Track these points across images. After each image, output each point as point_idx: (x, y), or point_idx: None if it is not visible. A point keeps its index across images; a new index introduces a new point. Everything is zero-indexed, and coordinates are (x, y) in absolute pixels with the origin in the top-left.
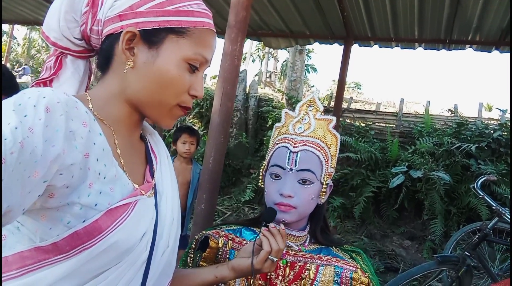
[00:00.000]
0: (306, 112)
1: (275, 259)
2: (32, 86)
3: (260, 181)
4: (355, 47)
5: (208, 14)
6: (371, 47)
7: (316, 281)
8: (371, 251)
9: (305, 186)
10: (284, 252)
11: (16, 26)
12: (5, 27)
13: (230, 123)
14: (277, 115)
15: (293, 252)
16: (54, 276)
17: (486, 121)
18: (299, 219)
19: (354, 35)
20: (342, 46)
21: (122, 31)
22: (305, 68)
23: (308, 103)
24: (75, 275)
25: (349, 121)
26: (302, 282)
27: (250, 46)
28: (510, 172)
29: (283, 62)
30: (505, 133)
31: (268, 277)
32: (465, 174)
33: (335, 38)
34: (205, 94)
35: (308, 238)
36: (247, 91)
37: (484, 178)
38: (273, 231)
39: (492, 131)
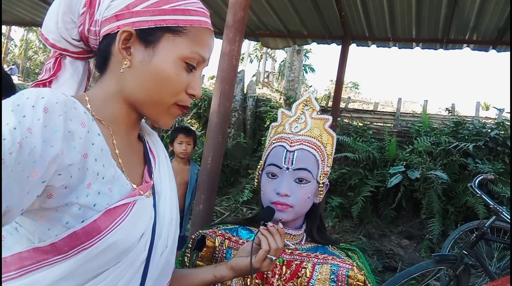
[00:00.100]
0: (302, 111)
1: (274, 258)
2: (32, 87)
3: (255, 180)
4: (352, 47)
5: (205, 13)
6: (369, 47)
7: (313, 279)
8: (369, 251)
9: (302, 185)
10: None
11: (13, 27)
12: (2, 28)
13: (228, 123)
14: (275, 116)
15: (289, 251)
16: (53, 277)
17: (483, 120)
18: (295, 218)
19: (351, 35)
20: (340, 46)
21: (118, 31)
22: (303, 68)
23: (304, 102)
24: (74, 276)
25: (347, 121)
26: (299, 280)
27: (248, 46)
28: (510, 171)
29: (281, 62)
30: (502, 132)
31: (265, 275)
32: (463, 173)
33: (333, 38)
34: (203, 94)
35: (305, 237)
36: (245, 92)
37: (482, 177)
38: (271, 230)
39: (489, 130)
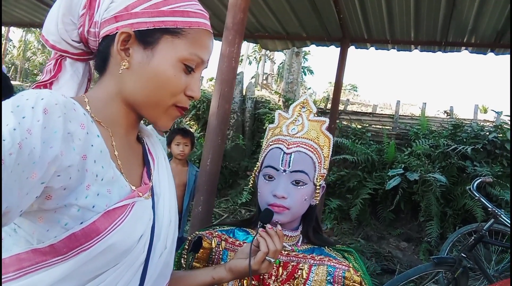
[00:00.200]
0: (299, 113)
1: (273, 260)
2: (32, 88)
3: (251, 181)
4: (351, 49)
5: (204, 15)
6: (368, 49)
7: (309, 280)
8: (368, 253)
9: (299, 187)
10: None
11: (11, 28)
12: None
13: (227, 125)
14: (273, 117)
15: (286, 252)
16: (51, 278)
17: (481, 123)
18: (292, 220)
19: (350, 37)
20: (339, 48)
21: (117, 32)
22: (302, 70)
23: (301, 104)
24: (73, 277)
25: (345, 123)
26: (295, 281)
27: (247, 48)
28: (510, 174)
29: (280, 64)
30: (500, 135)
31: (261, 277)
32: (461, 176)
33: (332, 40)
34: (202, 96)
35: (301, 238)
36: (244, 93)
37: (480, 180)
38: (270, 232)
39: (487, 133)
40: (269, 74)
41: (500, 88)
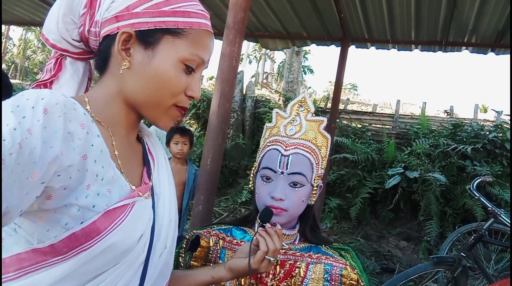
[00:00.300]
0: (297, 112)
1: (272, 259)
2: (33, 88)
3: (250, 183)
4: (351, 49)
5: (205, 15)
6: (368, 48)
7: (307, 278)
8: (367, 252)
9: (296, 189)
10: None
11: (11, 27)
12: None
13: (228, 124)
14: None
15: (283, 251)
16: (51, 278)
17: (481, 123)
18: (289, 221)
19: (351, 37)
20: (339, 48)
21: (118, 32)
22: (302, 69)
23: (299, 103)
24: (73, 277)
25: (345, 123)
26: (293, 280)
27: (247, 47)
28: (510, 174)
29: (280, 63)
30: (500, 135)
31: (259, 275)
32: (461, 175)
33: (332, 39)
34: (202, 95)
35: (298, 237)
36: (244, 92)
37: (480, 179)
38: (269, 231)
39: (487, 133)
40: (269, 73)
41: (500, 87)
